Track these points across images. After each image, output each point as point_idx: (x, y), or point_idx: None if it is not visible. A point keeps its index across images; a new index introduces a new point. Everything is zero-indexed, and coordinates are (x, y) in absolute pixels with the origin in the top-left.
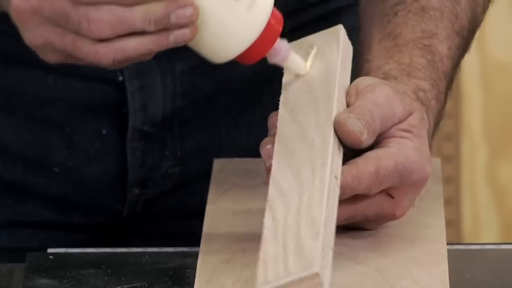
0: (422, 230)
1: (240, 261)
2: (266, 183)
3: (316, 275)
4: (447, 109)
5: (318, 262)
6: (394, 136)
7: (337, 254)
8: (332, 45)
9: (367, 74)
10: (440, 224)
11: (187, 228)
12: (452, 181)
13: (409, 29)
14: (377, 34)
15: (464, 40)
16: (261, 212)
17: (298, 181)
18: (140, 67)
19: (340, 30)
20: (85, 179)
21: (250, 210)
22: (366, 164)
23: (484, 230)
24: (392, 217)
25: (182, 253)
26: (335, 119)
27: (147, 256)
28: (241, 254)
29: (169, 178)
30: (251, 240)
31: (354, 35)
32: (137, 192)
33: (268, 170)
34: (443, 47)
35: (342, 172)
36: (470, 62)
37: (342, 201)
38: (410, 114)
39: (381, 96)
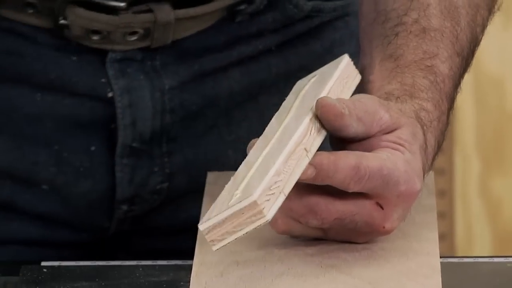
0: (415, 243)
1: (234, 273)
2: None
3: (255, 203)
4: None
5: (258, 193)
6: (387, 147)
7: (330, 267)
8: (333, 70)
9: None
10: (434, 237)
11: (174, 245)
12: (445, 194)
13: (411, 50)
14: (378, 55)
15: (464, 60)
16: None
17: (263, 150)
18: (130, 84)
19: (343, 58)
20: (74, 196)
21: None
22: (347, 156)
23: (477, 243)
24: (382, 230)
25: (176, 266)
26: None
27: (140, 269)
28: (234, 267)
29: (157, 194)
30: (244, 253)
31: (337, 49)
32: (125, 209)
33: None
34: (445, 68)
35: (319, 154)
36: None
37: (330, 197)
38: (399, 127)
39: (366, 99)
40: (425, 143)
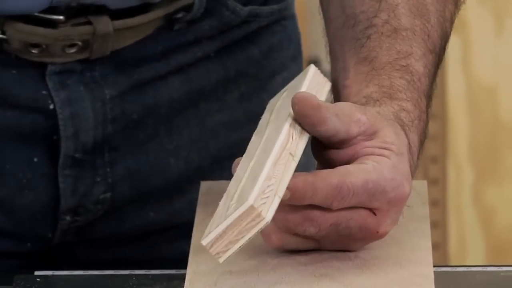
0: (408, 252)
1: (227, 283)
2: None
3: (251, 207)
4: (433, 132)
5: (253, 197)
6: (373, 154)
7: (324, 276)
8: (302, 81)
9: (346, 100)
10: (427, 247)
11: (119, 256)
12: (438, 204)
13: (384, 51)
14: (352, 59)
15: (437, 57)
16: None
17: (249, 163)
18: (71, 95)
19: (310, 68)
20: (17, 207)
21: None
22: (328, 176)
23: (470, 252)
24: (376, 234)
25: (169, 275)
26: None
27: (134, 278)
28: (228, 276)
29: (101, 204)
30: (238, 262)
31: (275, 53)
32: (69, 220)
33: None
34: (420, 66)
35: (296, 177)
36: (456, 85)
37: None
38: (378, 129)
39: (341, 103)
40: (409, 143)
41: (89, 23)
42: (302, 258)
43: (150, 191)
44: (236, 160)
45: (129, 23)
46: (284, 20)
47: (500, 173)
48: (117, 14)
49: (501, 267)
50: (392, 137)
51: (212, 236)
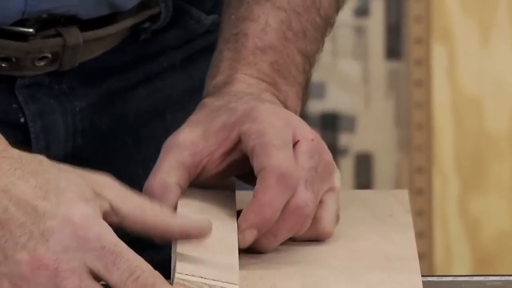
0: (396, 262)
1: None
2: None
3: None
4: (418, 143)
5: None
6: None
7: (312, 287)
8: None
9: (214, 94)
10: (413, 255)
11: None
12: (424, 214)
13: (226, 32)
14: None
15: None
16: None
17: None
18: (41, 108)
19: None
20: None
21: None
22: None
23: (456, 262)
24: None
25: None
26: None
27: None
28: None
29: None
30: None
31: None
32: None
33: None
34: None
35: (243, 216)
36: (441, 95)
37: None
38: (247, 132)
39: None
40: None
41: (59, 35)
42: (289, 269)
43: None
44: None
45: (98, 34)
46: None
47: (486, 183)
48: (86, 25)
49: (487, 277)
50: (272, 133)
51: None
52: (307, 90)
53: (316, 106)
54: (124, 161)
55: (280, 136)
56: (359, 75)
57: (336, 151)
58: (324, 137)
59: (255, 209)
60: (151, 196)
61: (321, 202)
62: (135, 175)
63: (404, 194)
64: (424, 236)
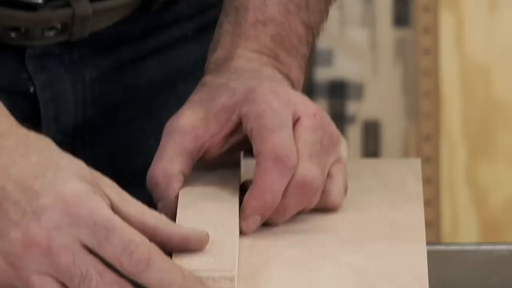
0: (402, 231)
1: None
2: None
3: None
4: (426, 111)
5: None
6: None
7: (317, 256)
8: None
9: (219, 68)
10: (420, 225)
11: None
12: (431, 182)
13: (226, 4)
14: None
15: None
16: None
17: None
18: (51, 78)
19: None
20: None
21: None
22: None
23: (463, 230)
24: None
25: None
26: None
27: None
28: None
29: None
30: None
31: None
32: None
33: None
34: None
35: (247, 198)
36: (449, 63)
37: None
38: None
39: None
40: (289, 78)
41: (68, 5)
42: (295, 237)
43: (131, 172)
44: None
45: (108, 4)
46: None
47: (493, 151)
48: None
49: (494, 245)
50: (264, 90)
51: None
52: (311, 61)
53: (323, 74)
54: (135, 132)
55: (278, 117)
56: (367, 43)
57: (343, 119)
58: (331, 105)
59: (254, 194)
60: (155, 185)
61: (328, 174)
62: (146, 146)
63: (416, 164)
64: (431, 204)
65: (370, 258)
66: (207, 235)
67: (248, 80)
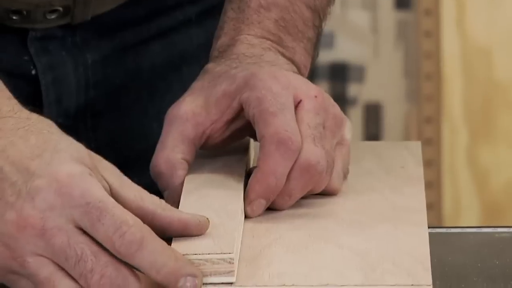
0: (403, 214)
1: None
2: None
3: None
4: (428, 93)
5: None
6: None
7: (318, 238)
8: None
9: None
10: (421, 208)
11: None
12: (432, 165)
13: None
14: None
15: None
16: None
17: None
18: (52, 60)
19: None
20: None
21: None
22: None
23: (464, 213)
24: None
25: None
26: None
27: None
28: None
29: None
30: None
31: None
32: None
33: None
34: None
35: (251, 181)
36: (450, 45)
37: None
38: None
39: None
40: (294, 62)
41: None
42: (296, 221)
43: (134, 156)
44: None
45: None
46: None
47: (495, 133)
48: None
49: (495, 228)
50: (262, 76)
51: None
52: (318, 44)
53: (325, 57)
54: (138, 115)
55: (278, 101)
56: (368, 25)
57: (345, 101)
58: (333, 88)
59: (258, 178)
60: (159, 174)
61: None
62: (149, 129)
63: (417, 147)
64: (432, 186)
65: (371, 240)
66: (207, 220)
67: (249, 66)
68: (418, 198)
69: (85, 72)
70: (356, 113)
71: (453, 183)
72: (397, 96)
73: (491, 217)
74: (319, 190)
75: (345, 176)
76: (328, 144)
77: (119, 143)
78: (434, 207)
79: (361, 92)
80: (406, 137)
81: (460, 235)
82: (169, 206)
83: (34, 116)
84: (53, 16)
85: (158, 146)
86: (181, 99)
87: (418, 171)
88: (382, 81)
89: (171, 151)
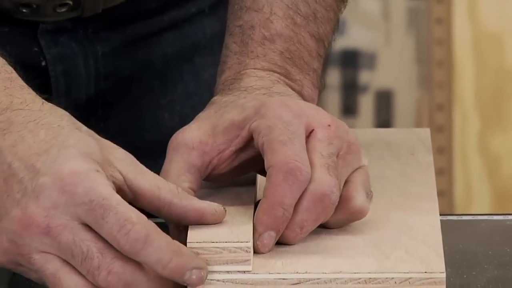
0: (415, 201)
1: None
2: None
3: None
4: (439, 80)
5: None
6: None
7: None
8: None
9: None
10: (432, 195)
11: None
12: (444, 151)
13: (230, 23)
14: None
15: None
16: None
17: None
18: (63, 52)
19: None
20: None
21: None
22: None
23: (476, 200)
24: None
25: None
26: None
27: None
28: None
29: None
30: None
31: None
32: None
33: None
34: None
35: (262, 202)
36: (462, 32)
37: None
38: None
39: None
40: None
41: None
42: None
43: (145, 146)
44: None
45: None
46: None
47: (506, 120)
48: None
49: (507, 216)
50: (274, 105)
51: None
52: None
53: (336, 44)
54: (149, 106)
55: (289, 129)
56: (379, 12)
57: (356, 88)
58: (344, 74)
59: (266, 209)
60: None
61: (348, 181)
62: (160, 119)
63: (426, 133)
64: (444, 173)
65: (384, 228)
66: (224, 209)
67: (258, 96)
68: (429, 185)
69: (96, 63)
70: (368, 100)
71: (464, 170)
72: (409, 83)
73: (503, 204)
74: (325, 221)
75: (369, 197)
76: (341, 174)
77: (130, 134)
78: (445, 194)
79: (373, 79)
80: (418, 124)
81: (471, 222)
82: (185, 194)
83: (46, 107)
84: (63, 10)
85: (162, 173)
86: (185, 127)
87: (428, 158)
88: (393, 68)
89: (177, 179)
